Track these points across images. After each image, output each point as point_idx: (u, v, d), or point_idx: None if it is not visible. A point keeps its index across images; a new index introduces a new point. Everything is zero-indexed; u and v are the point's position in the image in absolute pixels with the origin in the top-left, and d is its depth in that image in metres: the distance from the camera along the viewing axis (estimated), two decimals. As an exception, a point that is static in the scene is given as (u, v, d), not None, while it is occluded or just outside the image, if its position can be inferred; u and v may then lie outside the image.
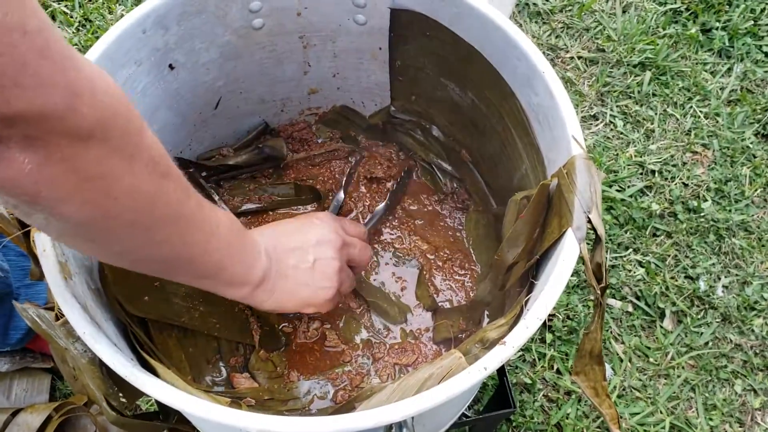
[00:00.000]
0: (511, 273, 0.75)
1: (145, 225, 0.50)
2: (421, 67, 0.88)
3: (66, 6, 1.68)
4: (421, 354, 0.89)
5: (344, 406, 0.72)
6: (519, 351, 1.24)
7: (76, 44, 1.60)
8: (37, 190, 0.41)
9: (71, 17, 1.66)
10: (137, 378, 0.57)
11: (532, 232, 0.70)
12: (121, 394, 0.70)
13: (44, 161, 0.40)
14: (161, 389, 0.56)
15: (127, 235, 0.50)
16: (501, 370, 0.96)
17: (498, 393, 0.99)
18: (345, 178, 1.04)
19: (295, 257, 0.72)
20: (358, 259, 0.81)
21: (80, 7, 1.68)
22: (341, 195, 1.01)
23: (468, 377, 0.56)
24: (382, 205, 1.00)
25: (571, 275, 1.33)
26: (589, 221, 0.63)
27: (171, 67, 0.81)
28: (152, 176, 0.48)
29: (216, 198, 0.96)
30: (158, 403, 0.83)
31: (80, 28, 1.66)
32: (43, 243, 0.63)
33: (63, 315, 0.68)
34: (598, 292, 0.63)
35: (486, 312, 0.87)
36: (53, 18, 1.66)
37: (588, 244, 0.64)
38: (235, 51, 0.86)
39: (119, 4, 1.70)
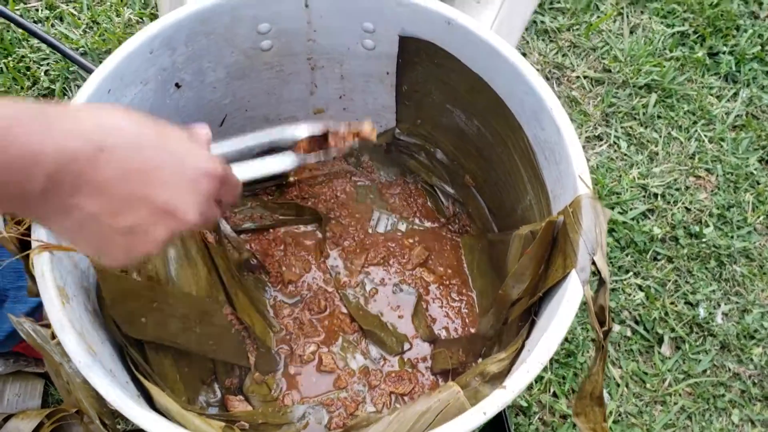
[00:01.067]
0: (514, 308, 0.75)
1: None
2: (428, 93, 0.88)
3: (74, 8, 1.67)
4: (417, 383, 0.88)
5: (339, 435, 0.71)
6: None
7: (83, 46, 1.59)
8: None
9: (79, 19, 1.65)
10: (132, 411, 0.56)
11: (537, 268, 0.69)
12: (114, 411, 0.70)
13: None
14: (155, 423, 0.56)
15: None
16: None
17: (494, 421, 0.98)
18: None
19: (103, 206, 0.45)
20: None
21: (88, 9, 1.67)
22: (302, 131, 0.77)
23: (466, 421, 0.55)
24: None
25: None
26: (594, 263, 0.63)
27: (177, 85, 0.81)
28: None
29: (217, 214, 0.95)
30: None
31: (87, 30, 1.65)
32: (41, 266, 0.62)
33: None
34: (601, 335, 0.62)
35: (485, 346, 0.86)
36: (60, 19, 1.65)
37: (592, 274, 0.64)
38: (241, 71, 0.86)
39: (127, 8, 1.69)
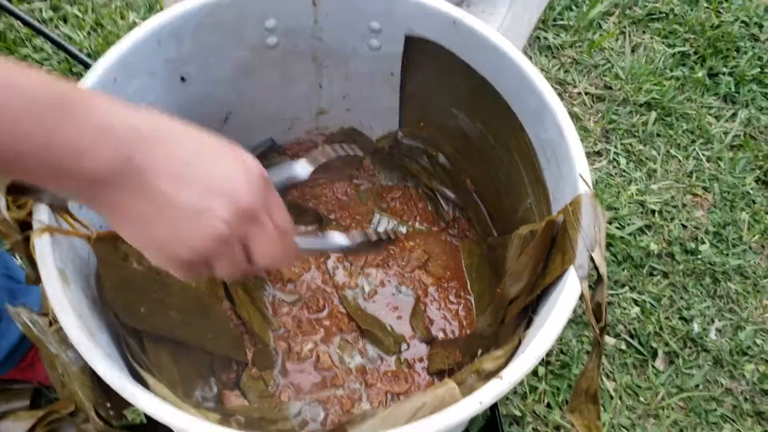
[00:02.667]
0: (511, 306, 0.75)
1: None
2: (432, 95, 0.89)
3: (78, 9, 1.68)
4: (414, 383, 0.88)
5: (335, 430, 0.71)
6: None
7: (86, 47, 1.60)
8: None
9: (83, 21, 1.66)
10: (131, 392, 0.56)
11: (536, 267, 0.70)
12: (109, 404, 0.70)
13: None
14: (154, 404, 0.56)
15: None
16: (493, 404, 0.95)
17: (488, 425, 0.98)
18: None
19: (174, 186, 0.47)
20: (258, 250, 0.53)
21: (93, 11, 1.68)
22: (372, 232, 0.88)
23: (462, 409, 0.55)
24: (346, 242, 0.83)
25: (567, 310, 1.33)
26: (592, 260, 0.63)
27: (183, 79, 0.82)
28: None
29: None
30: (147, 416, 0.82)
31: (91, 32, 1.66)
32: (42, 248, 0.62)
33: (57, 321, 0.68)
34: (597, 331, 0.63)
35: (481, 346, 0.86)
36: (65, 20, 1.66)
37: (590, 276, 0.64)
38: (247, 67, 0.86)
39: (132, 11, 1.70)
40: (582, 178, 0.66)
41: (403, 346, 0.92)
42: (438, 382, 0.88)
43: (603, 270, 0.63)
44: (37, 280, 0.67)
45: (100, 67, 0.70)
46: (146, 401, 0.56)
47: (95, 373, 0.66)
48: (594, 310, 0.63)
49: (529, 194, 0.80)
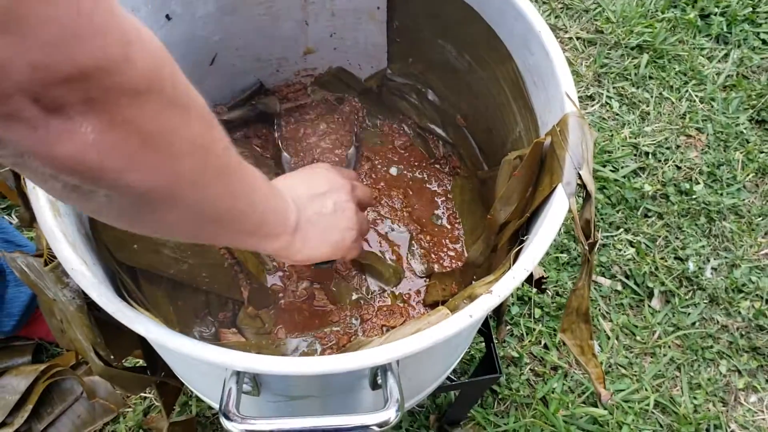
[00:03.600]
0: (502, 233, 0.75)
1: (203, 182, 0.46)
2: (419, 28, 0.88)
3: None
4: (409, 317, 0.89)
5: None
6: (509, 318, 1.25)
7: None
8: (101, 161, 0.36)
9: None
10: (124, 314, 0.56)
11: (525, 190, 0.70)
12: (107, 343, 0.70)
13: (107, 126, 0.35)
14: (148, 325, 0.56)
15: (187, 197, 0.45)
16: (488, 338, 0.96)
17: (484, 361, 0.99)
18: (354, 136, 1.04)
19: (315, 204, 0.70)
20: (365, 199, 0.81)
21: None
22: (352, 151, 1.02)
23: (453, 322, 0.56)
24: (352, 150, 1.02)
25: (561, 252, 1.34)
26: (580, 178, 0.63)
27: (168, 17, 0.81)
28: (204, 127, 0.44)
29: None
30: (146, 357, 0.83)
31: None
32: (33, 180, 0.62)
33: (52, 259, 0.68)
34: (586, 247, 0.63)
35: (476, 275, 0.87)
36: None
37: (578, 195, 0.64)
38: (232, 5, 0.86)
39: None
40: (568, 96, 0.66)
41: (403, 277, 0.93)
42: (433, 313, 0.89)
43: (591, 187, 0.63)
44: (31, 220, 0.67)
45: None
46: (141, 322, 0.56)
47: (92, 311, 0.67)
48: (583, 226, 0.64)
49: (518, 123, 0.80)
